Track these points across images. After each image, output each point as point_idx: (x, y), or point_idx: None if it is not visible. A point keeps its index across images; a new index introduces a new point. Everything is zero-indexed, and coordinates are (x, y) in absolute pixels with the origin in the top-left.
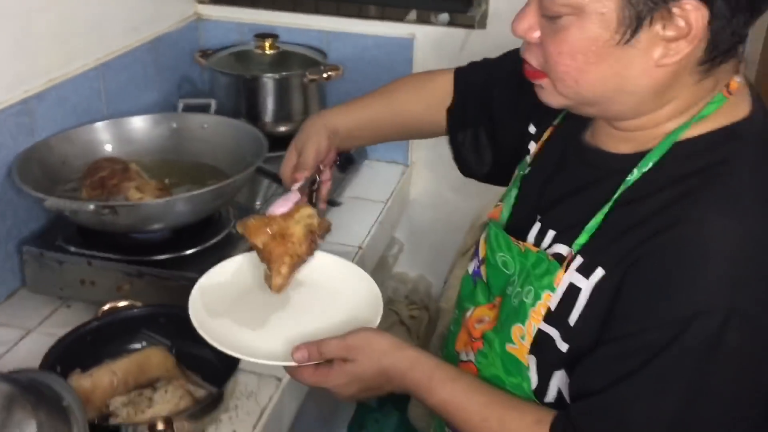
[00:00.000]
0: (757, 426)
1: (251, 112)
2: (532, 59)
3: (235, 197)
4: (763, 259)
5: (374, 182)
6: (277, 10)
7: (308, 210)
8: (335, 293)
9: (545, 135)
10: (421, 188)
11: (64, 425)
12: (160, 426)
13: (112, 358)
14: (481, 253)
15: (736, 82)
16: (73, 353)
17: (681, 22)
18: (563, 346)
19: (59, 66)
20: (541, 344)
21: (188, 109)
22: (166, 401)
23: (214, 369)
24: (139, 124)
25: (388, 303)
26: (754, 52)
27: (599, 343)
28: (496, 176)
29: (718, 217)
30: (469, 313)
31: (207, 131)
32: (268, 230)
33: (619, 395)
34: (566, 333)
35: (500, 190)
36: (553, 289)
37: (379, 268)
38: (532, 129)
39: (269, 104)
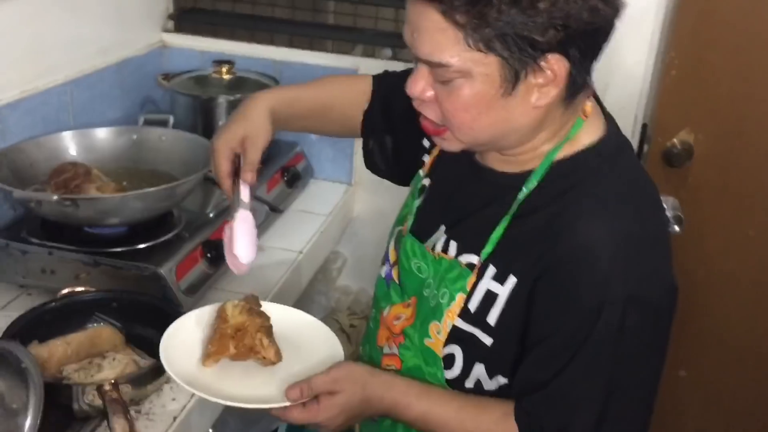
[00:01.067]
0: None
1: (207, 130)
2: (431, 114)
3: (185, 201)
4: (638, 251)
5: (319, 198)
6: (235, 41)
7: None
8: (290, 339)
9: (436, 150)
10: (364, 206)
11: (23, 383)
12: (107, 387)
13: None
14: (392, 258)
15: (589, 106)
16: (32, 329)
17: (548, 72)
18: (487, 340)
19: (31, 79)
20: (462, 340)
21: (148, 123)
22: (113, 368)
23: (157, 348)
24: (102, 134)
25: (331, 313)
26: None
27: (532, 346)
28: (399, 177)
29: (594, 224)
30: (386, 312)
31: (165, 143)
32: (229, 342)
33: (559, 384)
34: (488, 330)
35: None
36: (465, 291)
37: (323, 280)
38: (425, 143)
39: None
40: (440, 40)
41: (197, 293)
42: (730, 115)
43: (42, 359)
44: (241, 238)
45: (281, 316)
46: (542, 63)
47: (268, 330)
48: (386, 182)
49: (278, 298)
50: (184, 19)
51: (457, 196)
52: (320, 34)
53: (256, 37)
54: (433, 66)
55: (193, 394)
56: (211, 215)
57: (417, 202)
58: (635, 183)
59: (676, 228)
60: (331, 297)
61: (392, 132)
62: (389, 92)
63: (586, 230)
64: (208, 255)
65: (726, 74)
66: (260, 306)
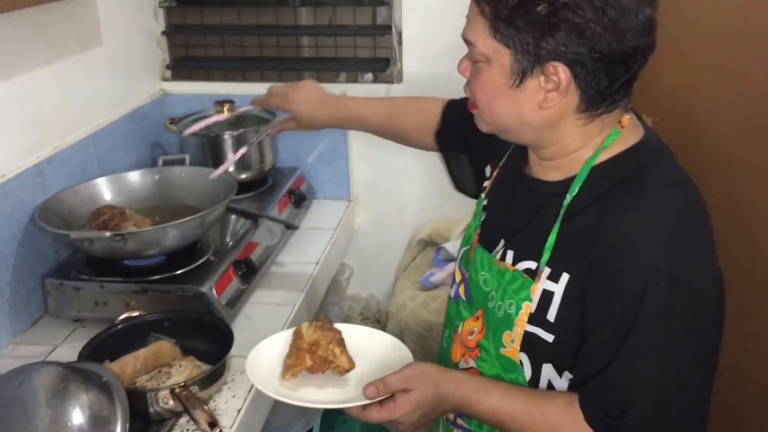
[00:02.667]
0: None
1: (216, 164)
2: (468, 92)
3: (211, 230)
4: (680, 238)
5: (324, 215)
6: (229, 81)
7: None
8: (362, 352)
9: (495, 173)
10: (364, 219)
11: (107, 394)
12: (178, 389)
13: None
14: (457, 277)
15: (626, 119)
16: (99, 351)
17: (554, 78)
18: (549, 338)
19: (61, 136)
20: (529, 343)
21: (167, 163)
22: (181, 374)
23: (210, 356)
24: (129, 178)
25: (345, 320)
26: None
27: (585, 337)
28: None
29: (636, 214)
30: (460, 329)
31: (185, 180)
32: (305, 355)
33: (615, 369)
34: (549, 327)
35: (424, 216)
36: (530, 300)
37: (334, 291)
38: (488, 171)
39: (231, 157)
40: (475, 23)
41: (235, 306)
42: (680, 97)
43: (116, 375)
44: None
45: (350, 332)
46: (550, 68)
47: (339, 341)
48: (381, 195)
49: (303, 307)
50: (180, 67)
51: (512, 209)
52: (306, 66)
53: (248, 76)
54: (468, 44)
55: (250, 389)
56: (230, 241)
57: (478, 222)
58: (675, 177)
59: None
60: (344, 306)
61: (469, 152)
62: (463, 116)
63: (629, 220)
64: (239, 273)
65: (671, 61)
66: (332, 324)
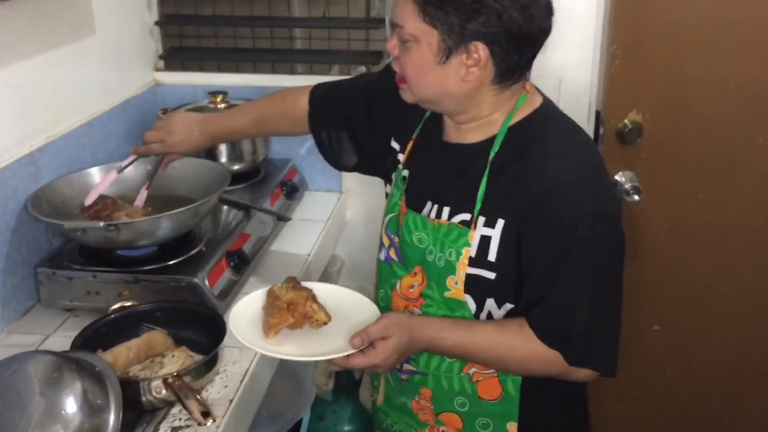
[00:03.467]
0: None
1: (209, 155)
2: (397, 68)
3: (203, 220)
4: (592, 176)
5: (315, 207)
6: (222, 72)
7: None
8: (330, 305)
9: (408, 146)
10: (355, 211)
11: (101, 383)
12: (171, 379)
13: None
14: (386, 242)
15: (528, 86)
16: (92, 340)
17: (475, 56)
18: (491, 275)
19: (54, 125)
20: (473, 282)
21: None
22: (174, 364)
23: (202, 346)
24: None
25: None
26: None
27: (528, 270)
28: (362, 170)
29: (555, 164)
30: (398, 286)
31: (178, 170)
32: (287, 313)
33: (558, 291)
34: (490, 267)
35: None
36: (469, 245)
37: (325, 281)
38: (395, 145)
39: (224, 148)
40: (404, 7)
41: (227, 297)
42: (670, 95)
43: (110, 364)
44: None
45: (317, 289)
46: (471, 47)
47: (314, 298)
48: (373, 187)
49: None
50: (173, 57)
51: (436, 173)
52: (299, 59)
53: (240, 67)
54: (398, 27)
55: (242, 380)
56: (222, 232)
57: (402, 190)
58: (575, 130)
59: (636, 197)
60: None
61: (349, 129)
62: (340, 104)
63: (550, 170)
64: (231, 264)
65: (662, 60)
66: (300, 283)
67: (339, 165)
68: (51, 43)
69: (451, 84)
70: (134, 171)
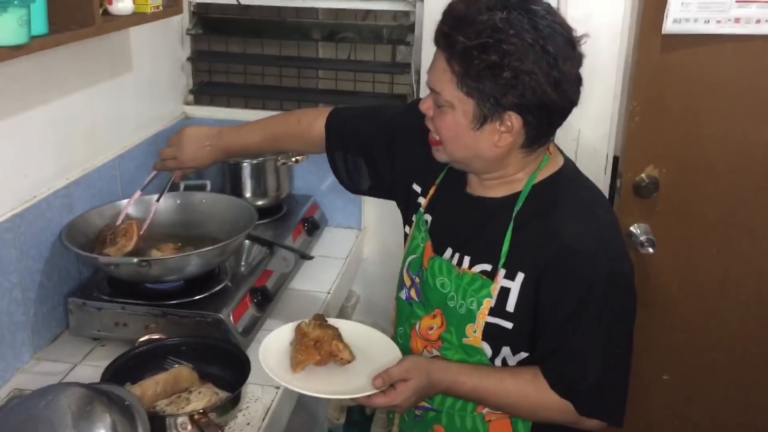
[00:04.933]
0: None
1: (235, 190)
2: (431, 128)
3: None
4: (610, 237)
5: (335, 243)
6: (248, 109)
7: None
8: (354, 344)
9: (431, 191)
10: (372, 248)
11: (130, 418)
12: (197, 416)
13: (149, 376)
14: (407, 282)
15: (552, 147)
16: (121, 372)
17: (508, 123)
18: (509, 325)
19: (89, 159)
20: (491, 331)
21: (188, 188)
22: (200, 400)
23: (226, 382)
24: (153, 200)
25: None
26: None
27: (544, 324)
28: (375, 194)
29: (575, 224)
30: (417, 326)
31: (205, 205)
32: (314, 351)
33: (572, 345)
34: (508, 317)
35: None
36: (491, 297)
37: (341, 317)
38: (416, 188)
39: (249, 183)
40: (441, 76)
41: (250, 334)
42: (687, 152)
43: (138, 397)
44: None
45: (342, 327)
46: (505, 116)
47: (339, 337)
48: (390, 225)
49: None
50: (203, 92)
51: (458, 222)
52: (325, 99)
53: (267, 104)
54: (434, 92)
55: (264, 418)
56: (246, 267)
57: (424, 234)
58: (593, 191)
59: (650, 249)
60: None
61: (369, 157)
62: (357, 134)
63: (570, 229)
64: (255, 300)
65: (680, 118)
66: (327, 321)
67: (352, 188)
68: (91, 80)
69: (484, 148)
70: (163, 204)
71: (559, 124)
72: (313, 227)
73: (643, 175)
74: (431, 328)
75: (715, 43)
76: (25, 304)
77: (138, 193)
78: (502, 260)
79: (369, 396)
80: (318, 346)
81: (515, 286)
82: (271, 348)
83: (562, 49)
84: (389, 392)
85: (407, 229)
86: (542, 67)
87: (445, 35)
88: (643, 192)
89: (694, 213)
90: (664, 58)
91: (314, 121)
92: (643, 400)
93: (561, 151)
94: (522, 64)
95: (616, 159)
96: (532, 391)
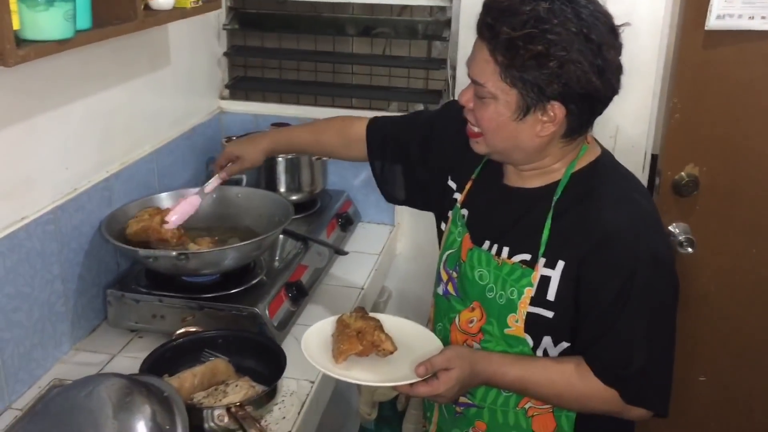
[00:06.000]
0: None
1: (270, 185)
2: (471, 119)
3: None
4: (650, 224)
5: (368, 239)
6: (283, 104)
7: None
8: (395, 336)
9: (467, 186)
10: (405, 244)
11: (168, 409)
12: (234, 408)
13: (185, 368)
14: (444, 277)
15: (590, 137)
16: (159, 364)
17: (551, 113)
18: (549, 314)
19: (127, 152)
20: (532, 320)
21: (224, 182)
22: (237, 393)
23: (261, 376)
24: (190, 194)
25: None
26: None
27: (586, 312)
28: (411, 204)
29: (615, 211)
30: (457, 320)
31: (240, 199)
32: (356, 341)
33: (616, 333)
34: (549, 306)
35: None
36: (532, 285)
37: (374, 312)
38: (452, 184)
39: (283, 178)
40: (484, 67)
41: (285, 328)
42: (729, 151)
43: (176, 389)
44: (178, 210)
45: (383, 320)
46: (548, 106)
47: (381, 328)
48: (423, 222)
49: None
50: (238, 87)
51: (496, 214)
52: (359, 94)
53: (301, 99)
54: (476, 84)
55: (299, 411)
56: (281, 262)
57: (461, 228)
58: (632, 179)
59: (690, 249)
60: None
61: (406, 163)
62: (397, 135)
63: (610, 216)
64: (290, 295)
65: (722, 115)
66: (368, 313)
67: (390, 197)
68: (130, 75)
69: (525, 139)
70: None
71: (600, 112)
72: (346, 223)
73: (682, 173)
74: (471, 321)
75: (760, 39)
76: (65, 295)
77: (198, 199)
78: (542, 249)
79: (412, 385)
80: (360, 336)
81: (555, 274)
82: (313, 339)
83: (605, 38)
84: (432, 381)
85: (443, 226)
86: (587, 55)
87: (488, 26)
88: (682, 191)
89: (734, 213)
90: (707, 54)
91: (354, 125)
92: (679, 401)
93: (598, 142)
94: (567, 54)
95: (654, 157)
96: (577, 380)
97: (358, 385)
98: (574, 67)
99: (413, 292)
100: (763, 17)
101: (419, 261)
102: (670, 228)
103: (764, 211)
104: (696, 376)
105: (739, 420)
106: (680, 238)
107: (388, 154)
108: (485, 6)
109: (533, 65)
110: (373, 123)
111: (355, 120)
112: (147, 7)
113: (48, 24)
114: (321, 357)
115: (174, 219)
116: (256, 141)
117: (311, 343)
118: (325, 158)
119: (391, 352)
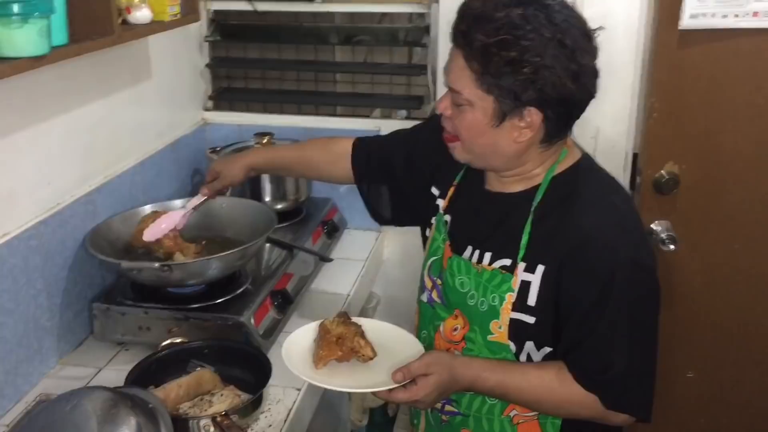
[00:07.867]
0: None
1: (254, 194)
2: (449, 127)
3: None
4: (629, 227)
5: (354, 245)
6: (267, 113)
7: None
8: (377, 341)
9: (450, 192)
10: (392, 250)
11: (153, 420)
12: (220, 418)
13: (171, 379)
14: (428, 284)
15: (569, 141)
16: (144, 376)
17: (528, 119)
18: (531, 320)
19: (111, 166)
20: (515, 327)
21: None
22: (222, 402)
23: (247, 385)
24: (173, 206)
25: None
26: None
27: (567, 316)
28: (396, 223)
29: (593, 215)
30: (441, 328)
31: (225, 209)
32: (336, 347)
33: (596, 337)
34: (530, 311)
35: None
36: (512, 291)
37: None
38: (435, 191)
39: (268, 187)
40: (460, 75)
41: (271, 336)
42: (707, 147)
43: (161, 400)
44: (157, 224)
45: (366, 325)
46: (524, 112)
47: (362, 333)
48: (410, 227)
49: None
50: (222, 98)
51: (478, 220)
52: (342, 101)
53: (285, 108)
54: (453, 91)
55: (285, 419)
56: (266, 271)
57: (444, 235)
58: (611, 183)
59: (672, 246)
60: None
61: (392, 181)
62: (381, 151)
63: (590, 220)
64: (275, 303)
65: (699, 113)
66: (351, 319)
67: (377, 215)
68: (111, 89)
69: (503, 145)
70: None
71: (578, 117)
72: (332, 230)
73: (662, 171)
74: (455, 329)
75: (734, 37)
76: (50, 309)
77: (188, 212)
78: (521, 253)
79: (390, 391)
80: (340, 342)
81: (536, 279)
82: (295, 345)
83: (580, 42)
84: (410, 387)
85: (427, 232)
86: (561, 61)
87: (462, 33)
88: (663, 188)
89: (715, 209)
90: (682, 53)
91: (340, 141)
92: (668, 398)
93: (578, 145)
94: (541, 59)
95: (635, 156)
96: (557, 385)
97: (349, 392)
98: (549, 73)
99: (402, 298)
100: (736, 15)
101: (407, 267)
102: (652, 226)
103: (744, 205)
104: (683, 372)
105: (729, 414)
106: (662, 235)
107: (373, 169)
108: (459, 13)
109: (508, 71)
110: (358, 141)
111: (341, 138)
112: (125, 21)
113: (23, 41)
114: (301, 363)
115: (148, 233)
116: (238, 158)
117: (293, 350)
118: (308, 179)
119: (371, 358)
